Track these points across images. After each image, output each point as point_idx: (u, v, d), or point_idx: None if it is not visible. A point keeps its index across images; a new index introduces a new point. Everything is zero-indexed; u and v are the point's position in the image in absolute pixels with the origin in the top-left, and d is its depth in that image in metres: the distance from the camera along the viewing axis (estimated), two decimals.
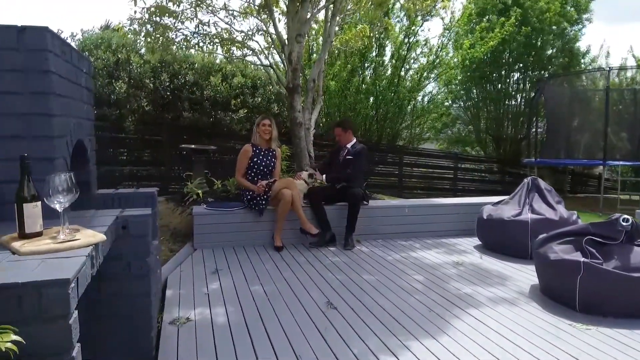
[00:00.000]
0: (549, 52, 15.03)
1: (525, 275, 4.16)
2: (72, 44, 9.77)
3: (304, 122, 6.19)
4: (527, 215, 4.70)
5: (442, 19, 12.42)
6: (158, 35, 6.54)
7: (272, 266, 4.30)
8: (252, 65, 10.38)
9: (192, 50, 10.15)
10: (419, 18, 11.82)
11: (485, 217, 5.01)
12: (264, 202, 4.90)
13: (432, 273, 4.17)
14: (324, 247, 4.98)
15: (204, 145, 5.90)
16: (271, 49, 7.32)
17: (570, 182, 17.10)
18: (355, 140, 5.39)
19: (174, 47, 6.83)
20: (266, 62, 6.81)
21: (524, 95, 15.67)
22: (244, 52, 7.30)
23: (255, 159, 5.00)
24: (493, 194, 15.02)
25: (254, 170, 5.00)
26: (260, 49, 7.14)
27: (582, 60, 15.55)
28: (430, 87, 13.76)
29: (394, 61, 12.16)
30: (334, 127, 5.36)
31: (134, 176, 9.55)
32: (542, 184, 5.13)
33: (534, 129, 12.73)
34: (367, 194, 5.46)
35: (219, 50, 7.26)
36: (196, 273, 4.08)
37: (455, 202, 5.79)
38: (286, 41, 6.16)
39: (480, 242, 5.24)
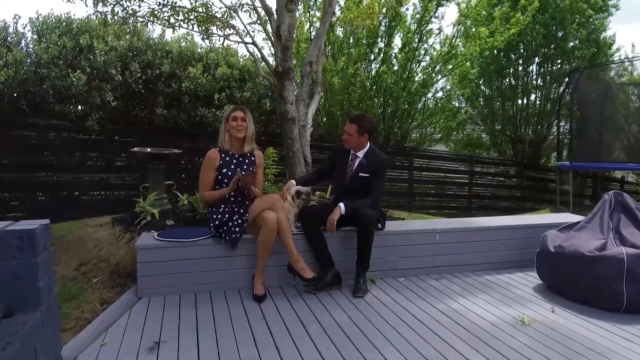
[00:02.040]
0: (572, 43, 13.56)
1: (634, 346, 2.69)
2: (29, 30, 8.37)
3: (298, 117, 4.73)
4: (620, 250, 3.22)
5: (459, 4, 10.95)
6: (112, 3, 5.08)
7: (244, 332, 2.83)
8: (239, 55, 8.98)
9: (168, 37, 8.80)
10: (434, 3, 10.36)
11: (552, 250, 3.54)
12: (238, 228, 3.43)
13: (490, 344, 2.70)
14: (324, 291, 3.52)
15: (162, 149, 4.43)
16: (257, 25, 5.84)
17: (592, 186, 15.67)
18: (369, 146, 3.83)
19: (132, 19, 5.35)
20: (251, 43, 5.29)
21: (543, 91, 14.24)
22: (226, 32, 5.85)
23: (224, 170, 3.52)
24: (512, 200, 13.70)
25: (225, 185, 3.53)
26: (245, 30, 5.68)
27: (609, 51, 14.07)
28: (443, 82, 12.32)
29: (404, 53, 10.68)
30: (347, 121, 3.77)
31: (104, 185, 8.13)
32: (631, 200, 3.67)
33: (564, 128, 11.31)
34: (383, 214, 3.97)
35: (195, 30, 5.79)
36: (125, 349, 2.60)
37: (501, 224, 4.32)
38: (274, 12, 4.70)
39: (541, 282, 3.77)
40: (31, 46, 7.71)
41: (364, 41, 10.47)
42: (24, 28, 8.00)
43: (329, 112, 10.54)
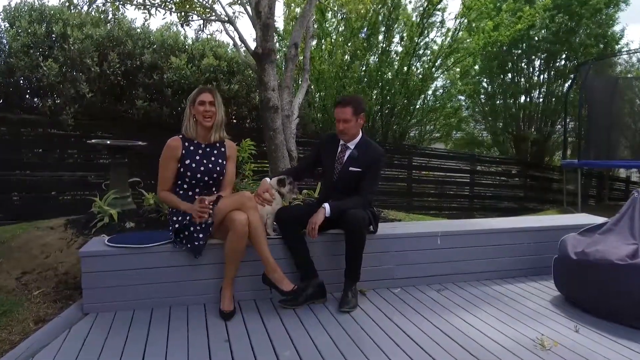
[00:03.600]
0: (578, 38, 13.01)
1: None
2: (2, 19, 7.83)
3: (282, 106, 4.21)
4: None
5: None
6: None
7: None
8: (228, 46, 8.45)
9: (153, 27, 8.28)
10: None
11: (573, 257, 3.01)
12: (202, 234, 2.89)
13: None
14: (305, 306, 2.99)
15: (125, 140, 3.90)
16: (238, 7, 5.30)
17: (597, 186, 15.18)
18: (362, 135, 3.28)
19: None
20: (227, 21, 4.75)
21: (549, 87, 13.72)
22: (206, 16, 5.34)
23: (187, 161, 2.99)
24: (514, 200, 13.17)
25: (188, 180, 3.00)
26: (226, 14, 5.13)
27: (616, 47, 13.53)
28: (443, 78, 11.78)
29: (403, 46, 10.15)
30: (337, 105, 3.18)
31: (84, 184, 7.60)
32: None
33: (570, 125, 10.80)
34: (375, 215, 3.41)
35: (174, 11, 5.28)
36: None
37: (512, 227, 3.77)
38: None
39: (559, 293, 3.25)
40: (3, 35, 7.18)
41: (362, 35, 9.94)
42: (1, 19, 7.50)
43: (323, 107, 10.02)
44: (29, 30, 6.76)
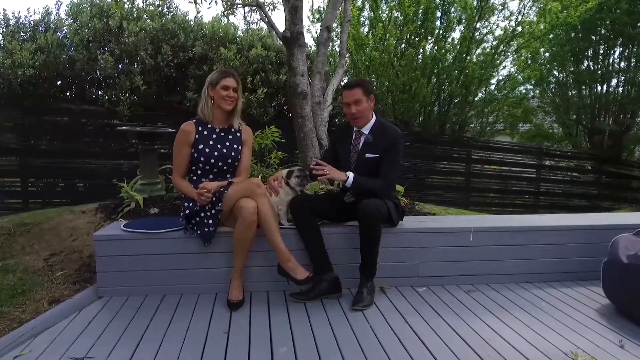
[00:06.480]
0: None
1: None
2: (69, 15, 8.29)
3: (312, 92, 4.05)
4: None
5: None
6: None
7: (193, 350, 2.21)
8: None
9: (206, 20, 8.42)
10: None
11: (625, 260, 2.62)
12: (211, 220, 2.82)
13: None
14: (316, 300, 2.84)
15: (154, 127, 3.92)
16: None
17: None
18: (375, 118, 3.07)
19: None
20: (255, 5, 4.68)
21: (627, 75, 12.46)
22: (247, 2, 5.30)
23: (200, 146, 2.92)
24: (587, 198, 12.15)
25: (202, 165, 2.93)
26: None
27: None
28: (508, 64, 11.07)
29: (460, 31, 9.63)
30: (345, 88, 3.01)
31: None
32: None
33: None
34: (398, 206, 3.14)
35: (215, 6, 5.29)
36: None
37: (557, 224, 3.37)
38: None
39: (608, 302, 2.85)
40: (65, 30, 7.60)
41: (417, 20, 9.52)
42: (66, 14, 7.95)
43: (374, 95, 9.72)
44: (89, 25, 7.08)
